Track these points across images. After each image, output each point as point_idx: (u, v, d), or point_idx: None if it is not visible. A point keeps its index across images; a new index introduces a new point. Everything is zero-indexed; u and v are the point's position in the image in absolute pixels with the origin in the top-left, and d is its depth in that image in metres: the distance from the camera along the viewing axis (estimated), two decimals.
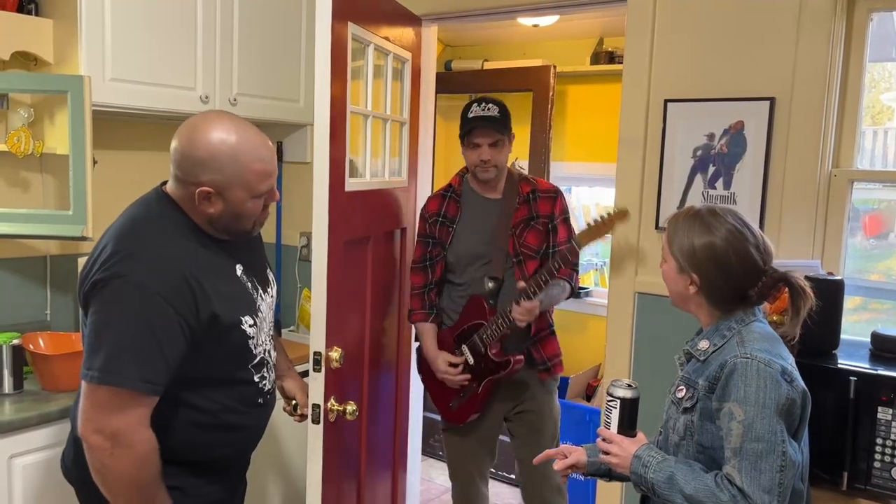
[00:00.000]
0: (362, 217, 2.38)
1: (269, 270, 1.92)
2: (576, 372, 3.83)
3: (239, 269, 1.73)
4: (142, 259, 1.52)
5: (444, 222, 2.50)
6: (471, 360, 2.43)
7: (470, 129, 2.40)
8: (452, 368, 2.45)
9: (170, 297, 1.51)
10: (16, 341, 2.17)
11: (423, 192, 2.94)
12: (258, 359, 1.75)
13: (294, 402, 2.08)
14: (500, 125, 2.41)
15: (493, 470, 4.04)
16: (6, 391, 2.13)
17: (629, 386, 1.58)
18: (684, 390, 1.53)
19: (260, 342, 1.75)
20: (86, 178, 2.27)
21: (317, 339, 2.05)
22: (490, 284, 2.43)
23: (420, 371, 2.64)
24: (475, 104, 2.43)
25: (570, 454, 1.73)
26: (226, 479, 1.81)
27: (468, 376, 2.45)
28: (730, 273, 1.50)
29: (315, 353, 2.05)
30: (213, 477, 1.74)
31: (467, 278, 2.49)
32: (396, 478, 2.95)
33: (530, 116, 3.78)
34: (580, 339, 4.02)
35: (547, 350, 2.51)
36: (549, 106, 3.69)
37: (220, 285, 1.62)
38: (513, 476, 3.90)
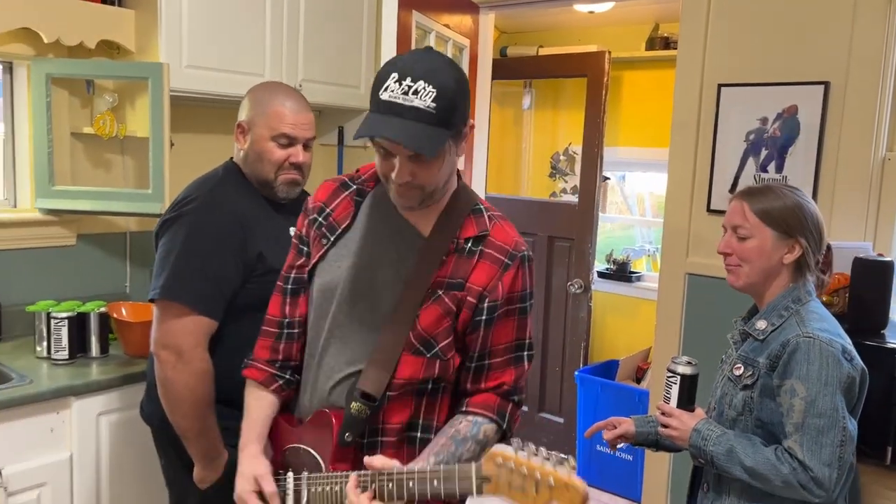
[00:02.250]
0: None
1: None
2: (626, 355, 3.88)
3: (293, 231, 1.86)
4: (202, 202, 1.79)
5: (321, 225, 1.47)
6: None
7: (372, 125, 1.26)
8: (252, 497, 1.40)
9: (223, 233, 1.77)
10: (101, 309, 2.34)
11: (479, 177, 3.04)
12: None
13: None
14: (436, 122, 1.24)
15: (541, 448, 4.12)
16: (93, 355, 2.31)
17: (689, 363, 1.65)
18: (742, 368, 1.58)
19: None
20: (164, 159, 2.43)
21: None
22: (357, 405, 1.33)
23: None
24: (395, 77, 1.23)
25: (619, 425, 1.81)
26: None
27: None
28: (820, 233, 1.57)
29: None
30: None
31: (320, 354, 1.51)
32: None
33: (584, 102, 3.82)
34: (631, 323, 4.07)
35: None
36: (604, 92, 3.73)
37: (269, 234, 1.83)
38: None
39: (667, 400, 1.65)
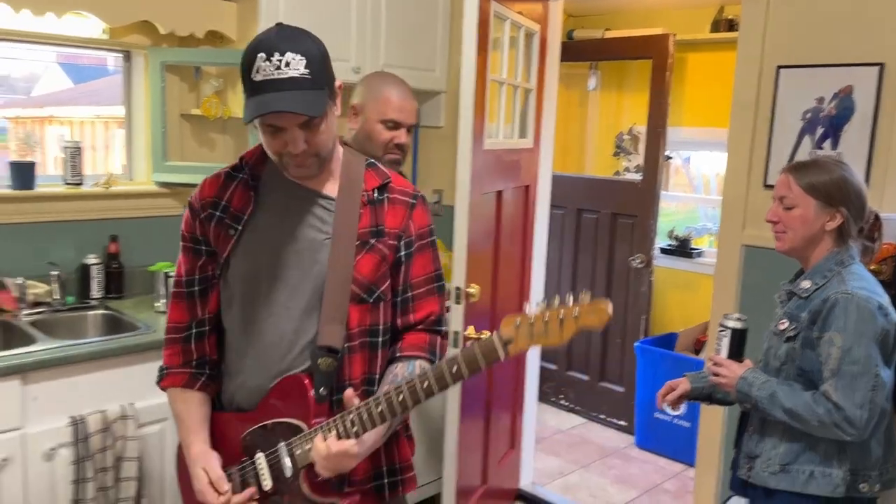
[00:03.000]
0: (496, 173, 2.70)
1: None
2: (685, 327, 4.02)
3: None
4: None
5: (222, 219, 1.46)
6: (267, 485, 1.43)
7: (259, 105, 1.31)
8: (219, 494, 1.43)
9: None
10: None
11: (546, 156, 3.22)
12: None
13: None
14: (313, 85, 1.34)
15: (602, 416, 4.32)
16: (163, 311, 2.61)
17: (739, 318, 1.83)
18: (787, 323, 1.75)
19: None
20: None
21: (458, 276, 2.41)
22: (325, 360, 1.40)
23: (178, 469, 1.59)
24: (262, 57, 1.29)
25: (677, 386, 2.00)
26: None
27: None
28: (861, 204, 1.73)
29: (456, 289, 2.41)
30: None
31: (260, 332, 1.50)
32: (515, 414, 3.29)
33: (649, 83, 3.95)
34: (690, 297, 4.20)
35: (397, 455, 1.55)
36: (668, 73, 3.85)
37: None
38: (622, 422, 4.17)
39: (718, 352, 1.83)
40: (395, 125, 2.14)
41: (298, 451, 1.38)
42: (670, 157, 4.25)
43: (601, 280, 4.23)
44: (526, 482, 3.41)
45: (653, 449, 3.90)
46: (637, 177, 4.19)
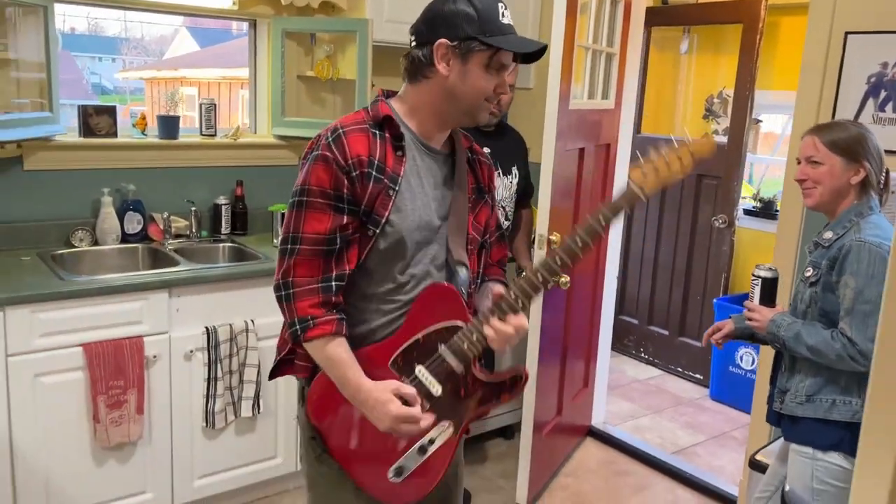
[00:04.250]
0: (579, 132, 2.94)
1: (516, 166, 2.69)
2: None
3: (486, 150, 2.48)
4: None
5: (379, 178, 1.47)
6: (436, 390, 1.49)
7: (521, 43, 1.49)
8: (414, 409, 1.46)
9: None
10: None
11: (627, 118, 3.41)
12: None
13: (523, 273, 2.81)
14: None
15: (679, 369, 4.52)
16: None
17: (770, 269, 2.04)
18: (811, 270, 1.95)
19: None
20: (366, 98, 3.05)
21: (542, 223, 2.69)
22: (464, 272, 1.56)
23: (320, 429, 1.56)
24: (502, 6, 1.48)
25: (723, 327, 2.22)
26: None
27: (433, 418, 1.51)
28: (881, 159, 1.91)
29: (540, 235, 2.70)
30: None
31: (413, 274, 1.54)
32: (589, 355, 3.56)
33: (739, 47, 4.03)
34: (771, 258, 4.28)
35: None
36: (758, 37, 3.92)
37: None
38: (698, 375, 4.35)
39: (751, 299, 2.05)
40: None
41: (465, 345, 1.47)
42: (759, 121, 4.32)
43: (684, 238, 4.39)
44: (598, 420, 3.68)
45: (726, 401, 4.07)
46: (724, 139, 4.29)
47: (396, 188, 1.48)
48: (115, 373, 2.40)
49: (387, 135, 1.49)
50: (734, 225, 4.17)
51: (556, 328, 3.04)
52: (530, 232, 2.81)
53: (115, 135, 2.88)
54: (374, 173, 1.46)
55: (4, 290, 2.26)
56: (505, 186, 2.65)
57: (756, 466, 2.42)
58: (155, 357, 2.49)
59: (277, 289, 1.49)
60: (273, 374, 1.62)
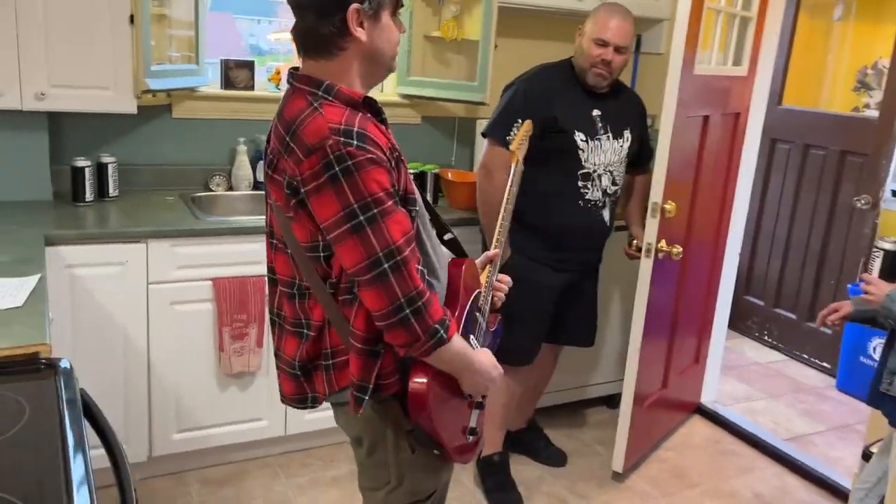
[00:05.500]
0: (704, 98, 2.84)
1: (629, 129, 2.68)
2: None
3: (595, 112, 2.61)
4: (528, 76, 2.65)
5: (399, 159, 1.46)
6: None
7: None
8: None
9: (532, 97, 2.54)
10: (435, 171, 3.12)
11: (762, 87, 3.24)
12: (585, 171, 2.58)
13: (634, 240, 2.81)
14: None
15: (804, 356, 4.30)
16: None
17: (894, 241, 1.91)
18: None
19: (591, 162, 2.57)
20: (489, 58, 3.08)
21: (656, 191, 2.65)
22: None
23: (419, 424, 1.50)
24: None
25: (841, 308, 2.11)
26: (555, 253, 2.63)
27: None
28: None
29: (653, 203, 2.65)
30: (543, 243, 2.62)
31: (434, 248, 1.57)
32: (702, 331, 3.46)
33: None
34: None
35: None
36: None
37: (569, 106, 2.57)
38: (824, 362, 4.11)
39: (870, 272, 1.93)
40: (604, 43, 2.51)
41: (486, 307, 1.68)
42: None
43: (821, 218, 4.13)
44: (707, 399, 3.59)
45: (853, 392, 3.84)
46: (874, 114, 3.98)
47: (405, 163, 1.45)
48: (239, 307, 2.61)
49: (368, 113, 1.40)
50: (879, 207, 3.87)
51: (665, 300, 2.98)
52: (645, 198, 2.75)
53: (252, 88, 3.09)
54: (399, 155, 1.41)
55: (148, 225, 2.51)
56: (614, 150, 2.61)
57: (868, 458, 2.30)
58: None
59: (398, 311, 1.33)
60: (359, 406, 1.44)
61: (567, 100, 2.58)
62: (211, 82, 3.08)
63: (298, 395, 1.55)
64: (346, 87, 1.39)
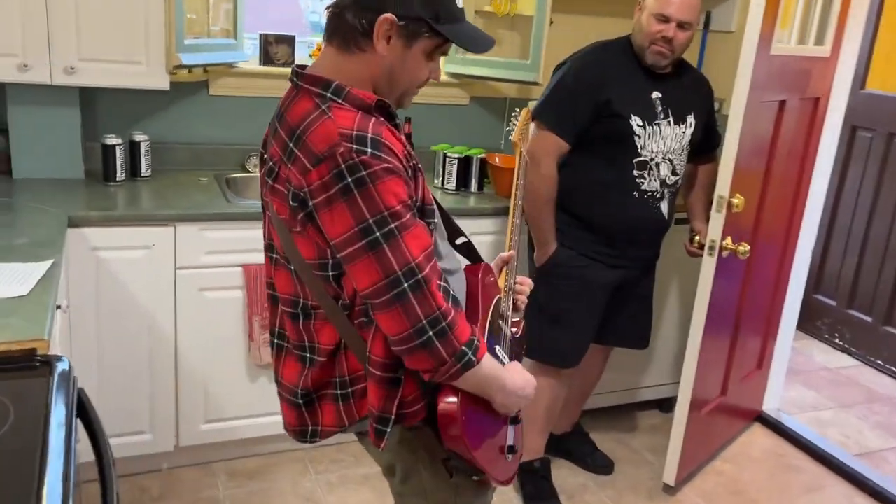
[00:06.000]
0: (780, 81, 2.58)
1: (692, 114, 2.43)
2: None
3: (655, 94, 2.35)
4: (582, 55, 2.41)
5: (415, 168, 1.31)
6: (506, 362, 1.47)
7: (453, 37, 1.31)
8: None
9: (586, 79, 2.32)
10: (482, 155, 2.93)
11: (847, 67, 2.93)
12: (641, 159, 2.33)
13: (696, 236, 2.58)
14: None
15: (879, 362, 3.98)
16: (472, 190, 2.92)
17: None
18: None
19: (648, 149, 2.33)
20: (543, 35, 2.86)
21: (723, 184, 2.41)
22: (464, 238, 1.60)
23: (456, 451, 1.37)
24: None
25: None
26: (607, 248, 2.42)
27: None
28: None
29: (720, 196, 2.42)
30: (595, 237, 2.40)
31: (448, 268, 1.43)
32: (767, 335, 3.20)
33: None
34: None
35: None
36: None
37: (625, 87, 2.32)
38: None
39: None
40: (665, 19, 2.26)
41: (508, 313, 1.55)
42: None
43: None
44: (770, 406, 3.33)
45: None
46: None
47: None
48: None
49: (381, 118, 1.25)
50: None
51: (728, 300, 2.74)
52: (710, 189, 2.52)
53: (292, 64, 2.94)
54: (417, 164, 1.28)
55: (176, 207, 2.40)
56: (675, 137, 2.37)
57: None
58: None
59: (420, 334, 1.19)
60: (381, 439, 1.30)
61: (623, 81, 2.34)
62: (250, 58, 2.95)
63: (300, 426, 1.40)
64: (357, 90, 1.24)
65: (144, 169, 2.67)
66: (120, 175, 2.59)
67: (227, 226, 2.42)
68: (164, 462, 2.61)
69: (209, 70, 2.80)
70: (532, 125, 2.36)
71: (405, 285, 1.18)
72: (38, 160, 2.55)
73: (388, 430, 1.29)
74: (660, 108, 2.35)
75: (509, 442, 1.48)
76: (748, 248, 2.48)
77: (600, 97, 2.29)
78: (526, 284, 1.64)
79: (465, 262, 1.52)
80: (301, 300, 1.33)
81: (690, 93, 2.44)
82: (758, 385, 3.27)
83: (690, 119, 2.41)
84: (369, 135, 1.18)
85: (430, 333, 1.20)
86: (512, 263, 1.61)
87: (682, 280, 3.06)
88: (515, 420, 1.50)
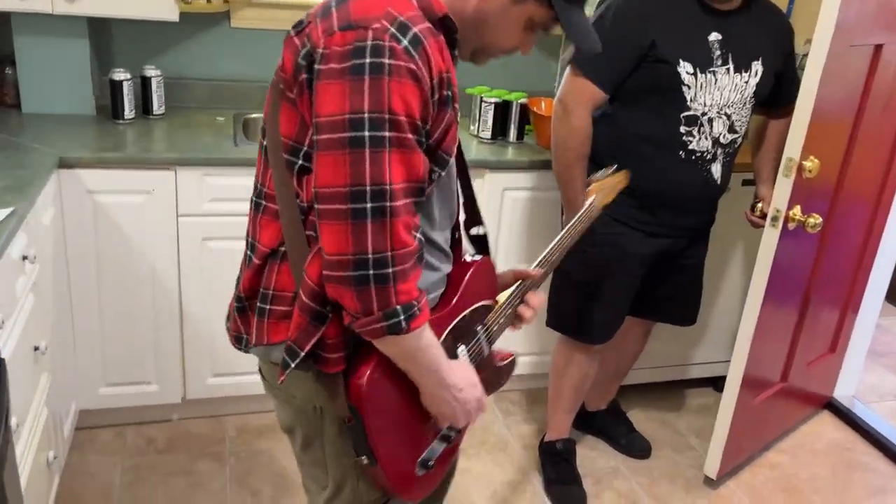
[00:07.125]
0: (879, 20, 2.15)
1: (760, 60, 2.04)
2: None
3: (714, 36, 1.97)
4: None
5: (452, 101, 1.12)
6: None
7: (565, 19, 1.18)
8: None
9: (628, 23, 1.94)
10: (523, 100, 2.62)
11: None
12: (691, 113, 1.97)
13: (759, 203, 2.23)
14: None
15: None
16: (511, 139, 2.64)
17: None
18: None
19: (700, 102, 1.97)
20: None
21: (793, 145, 2.05)
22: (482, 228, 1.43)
23: (376, 409, 1.17)
24: None
25: None
26: (647, 215, 2.11)
27: None
28: None
29: (788, 159, 2.06)
30: (633, 201, 2.07)
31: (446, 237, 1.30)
32: (845, 314, 2.81)
33: None
34: None
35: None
36: None
37: (674, 28, 1.95)
38: None
39: None
40: None
41: (495, 328, 1.35)
42: None
43: None
44: (843, 392, 2.97)
45: None
46: None
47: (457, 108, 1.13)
48: None
49: (441, 38, 1.09)
50: None
51: (796, 275, 2.39)
52: (780, 149, 2.14)
53: None
54: (450, 96, 1.08)
55: (179, 150, 2.24)
56: (736, 87, 1.99)
57: None
58: None
59: (357, 266, 1.01)
60: (283, 371, 1.14)
61: (673, 18, 1.96)
62: None
63: (236, 331, 1.27)
64: None
65: (157, 106, 2.51)
66: (129, 113, 2.45)
67: (231, 172, 2.24)
68: (174, 413, 2.54)
69: (230, 0, 2.60)
70: (567, 70, 2.05)
71: (367, 205, 1.01)
72: (47, 95, 2.43)
73: (294, 365, 1.12)
74: (717, 53, 1.97)
75: (426, 455, 1.28)
76: (819, 220, 2.11)
77: (644, 39, 1.93)
78: (534, 306, 1.40)
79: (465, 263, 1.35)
80: (259, 185, 1.19)
81: (761, 33, 2.03)
82: (830, 368, 2.90)
83: (757, 66, 2.02)
84: (415, 29, 1.02)
85: (370, 272, 1.02)
86: (528, 283, 1.39)
87: (748, 246, 2.72)
88: (446, 439, 1.31)
